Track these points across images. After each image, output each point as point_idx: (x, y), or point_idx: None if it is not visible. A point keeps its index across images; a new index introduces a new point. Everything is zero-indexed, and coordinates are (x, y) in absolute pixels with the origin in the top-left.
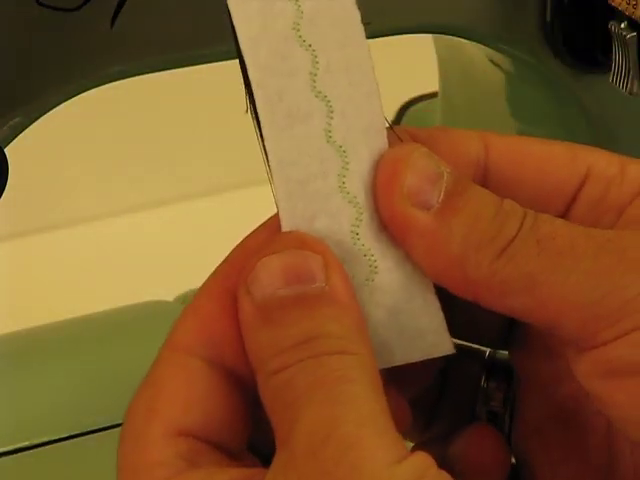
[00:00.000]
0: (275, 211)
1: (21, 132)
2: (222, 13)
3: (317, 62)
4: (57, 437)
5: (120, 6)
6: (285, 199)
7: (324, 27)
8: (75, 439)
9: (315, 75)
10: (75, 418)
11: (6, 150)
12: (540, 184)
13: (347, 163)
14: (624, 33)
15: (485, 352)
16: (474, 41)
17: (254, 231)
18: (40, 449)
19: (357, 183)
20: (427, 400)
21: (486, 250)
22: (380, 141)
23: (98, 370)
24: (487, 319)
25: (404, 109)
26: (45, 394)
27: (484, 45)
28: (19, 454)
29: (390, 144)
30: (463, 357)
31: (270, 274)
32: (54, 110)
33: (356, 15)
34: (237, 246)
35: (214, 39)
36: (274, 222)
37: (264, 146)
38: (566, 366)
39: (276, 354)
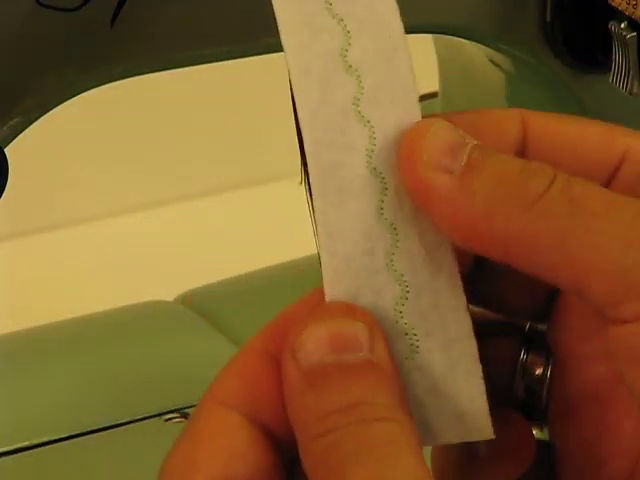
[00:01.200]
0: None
1: (21, 132)
2: (223, 13)
3: (374, 139)
4: (57, 437)
5: (120, 6)
6: (331, 273)
7: (384, 104)
8: (75, 439)
9: (372, 152)
10: (75, 418)
11: (6, 150)
12: (576, 166)
13: (397, 241)
14: (624, 33)
15: (524, 326)
16: (474, 41)
17: (298, 301)
18: (40, 449)
19: (405, 262)
20: None
21: (514, 203)
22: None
23: (98, 370)
24: (526, 295)
25: None
26: (45, 394)
27: (484, 45)
28: (19, 454)
29: None
30: (500, 333)
31: (317, 341)
32: (54, 110)
33: (415, 90)
34: (281, 312)
35: (214, 39)
36: (318, 293)
37: (314, 218)
38: (602, 348)
39: (321, 418)
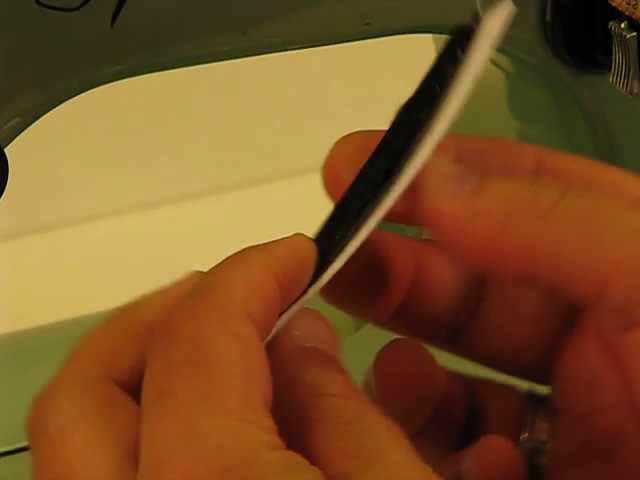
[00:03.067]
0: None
1: (21, 132)
2: (223, 13)
3: None
4: None
5: (120, 6)
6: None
7: None
8: None
9: None
10: None
11: (6, 150)
12: None
13: None
14: (624, 33)
15: (524, 388)
16: None
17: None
18: None
19: None
20: (456, 427)
21: (530, 213)
22: None
23: None
24: (530, 356)
25: None
26: None
27: None
28: (19, 454)
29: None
30: (501, 391)
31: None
32: (54, 110)
33: None
34: (159, 292)
35: (214, 39)
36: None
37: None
38: (609, 399)
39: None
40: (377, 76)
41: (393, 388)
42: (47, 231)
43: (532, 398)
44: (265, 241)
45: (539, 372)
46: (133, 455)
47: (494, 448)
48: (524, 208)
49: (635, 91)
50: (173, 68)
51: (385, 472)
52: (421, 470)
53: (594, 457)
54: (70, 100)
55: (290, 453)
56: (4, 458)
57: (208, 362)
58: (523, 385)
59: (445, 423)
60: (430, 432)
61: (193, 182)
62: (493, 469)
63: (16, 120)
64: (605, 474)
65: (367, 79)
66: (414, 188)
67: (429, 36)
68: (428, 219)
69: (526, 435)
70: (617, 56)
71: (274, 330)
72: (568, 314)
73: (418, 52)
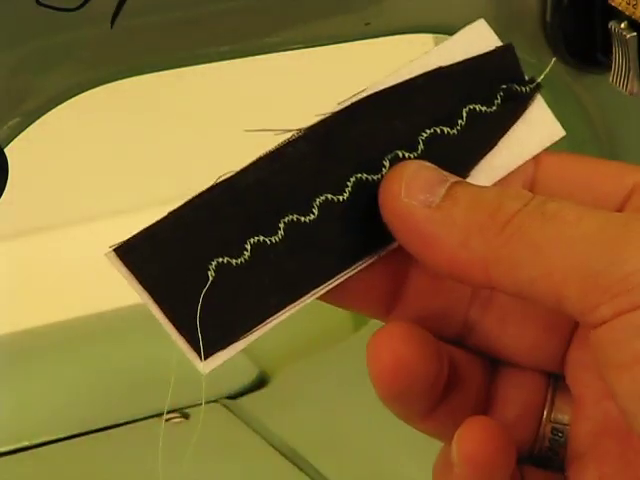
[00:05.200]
0: None
1: (21, 132)
2: (222, 13)
3: None
4: (57, 437)
5: (120, 6)
6: None
7: None
8: (75, 439)
9: None
10: (75, 418)
11: (6, 150)
12: (586, 198)
13: None
14: (624, 33)
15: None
16: None
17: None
18: (40, 449)
19: None
20: (470, 406)
21: (489, 225)
22: None
23: (98, 370)
24: (544, 343)
25: None
26: (45, 394)
27: None
28: (19, 454)
29: None
30: (521, 376)
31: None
32: (54, 110)
33: None
34: None
35: (214, 39)
36: None
37: None
38: None
39: None
40: (377, 76)
41: (388, 373)
42: (47, 231)
43: (552, 379)
44: None
45: (554, 361)
46: None
47: (478, 429)
48: (485, 221)
49: (635, 91)
50: (173, 68)
51: None
52: None
53: (612, 440)
54: (70, 100)
55: None
56: (4, 458)
57: None
58: None
59: (458, 402)
60: (442, 411)
61: (193, 182)
62: (471, 452)
63: (16, 120)
64: (620, 457)
65: (367, 79)
66: (387, 187)
67: (429, 36)
68: (395, 227)
69: (545, 414)
70: (617, 56)
71: None
72: None
73: (418, 52)
